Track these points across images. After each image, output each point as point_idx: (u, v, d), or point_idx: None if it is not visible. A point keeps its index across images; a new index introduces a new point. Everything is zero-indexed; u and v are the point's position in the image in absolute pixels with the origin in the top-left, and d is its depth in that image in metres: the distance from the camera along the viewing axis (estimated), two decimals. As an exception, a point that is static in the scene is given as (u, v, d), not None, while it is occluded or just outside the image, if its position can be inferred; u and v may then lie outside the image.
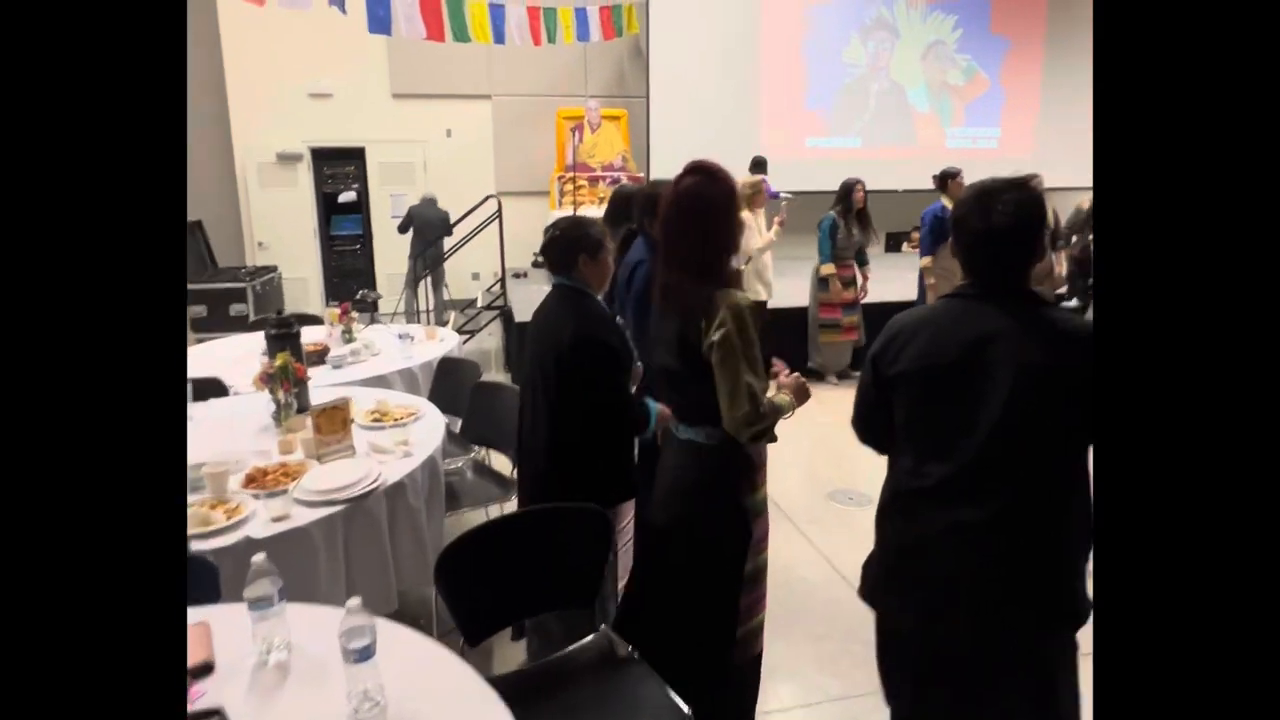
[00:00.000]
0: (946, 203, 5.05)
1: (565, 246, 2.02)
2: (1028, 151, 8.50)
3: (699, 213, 1.58)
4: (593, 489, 1.85)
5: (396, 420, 2.54)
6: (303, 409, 2.49)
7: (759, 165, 6.72)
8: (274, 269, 7.23)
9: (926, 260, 5.00)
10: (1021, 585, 1.31)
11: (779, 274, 5.21)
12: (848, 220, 4.99)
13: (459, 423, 3.06)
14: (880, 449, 1.48)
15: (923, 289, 5.12)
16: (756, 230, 4.70)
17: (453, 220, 6.64)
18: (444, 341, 3.78)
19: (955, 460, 1.31)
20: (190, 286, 6.44)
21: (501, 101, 7.95)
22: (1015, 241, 1.31)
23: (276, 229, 7.75)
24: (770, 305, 5.13)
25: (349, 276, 8.04)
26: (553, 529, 1.73)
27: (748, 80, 7.85)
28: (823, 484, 3.64)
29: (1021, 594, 1.31)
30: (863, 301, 5.24)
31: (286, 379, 2.47)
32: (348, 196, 7.90)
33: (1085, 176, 6.86)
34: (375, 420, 2.54)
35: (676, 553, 1.66)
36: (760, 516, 1.70)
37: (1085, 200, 5.74)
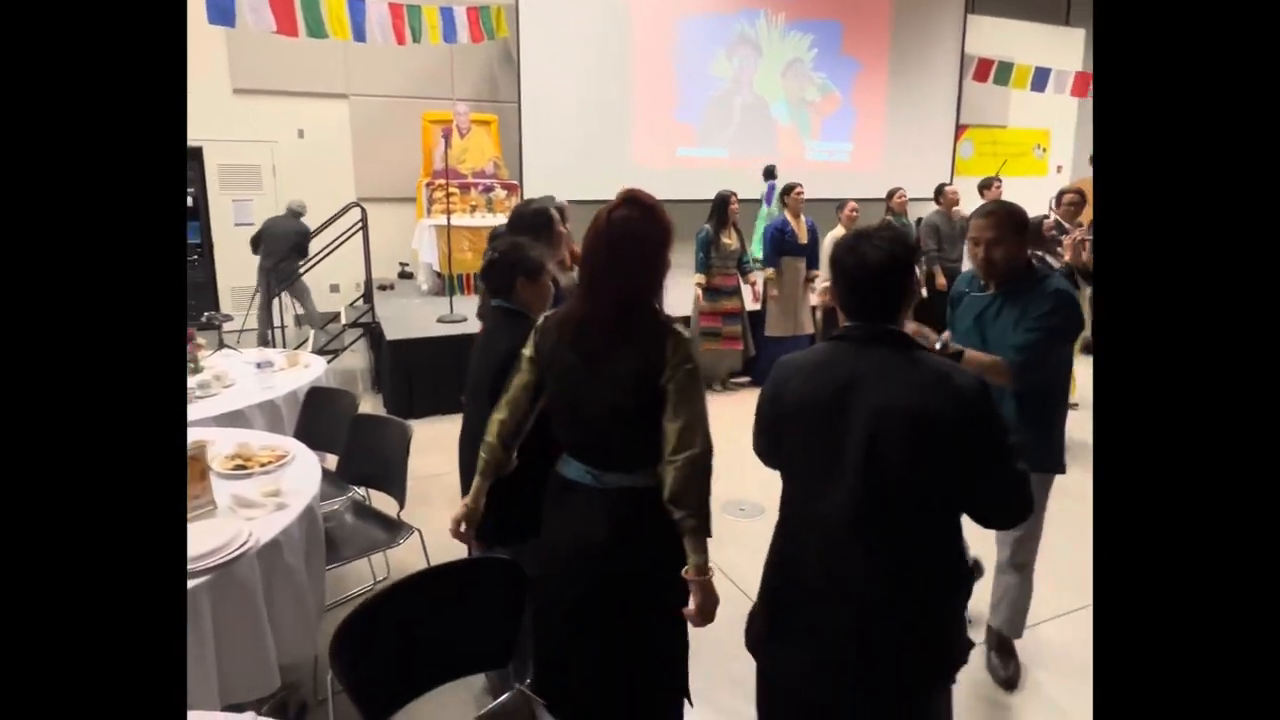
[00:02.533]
0: (788, 216, 5.32)
1: (503, 268, 1.98)
2: (877, 165, 9.13)
3: (655, 245, 1.51)
4: (519, 520, 1.73)
5: (263, 465, 2.27)
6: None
7: (769, 173, 6.77)
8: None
9: (770, 271, 5.26)
10: (903, 636, 1.32)
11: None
12: (722, 231, 5.10)
13: (330, 459, 2.79)
14: (775, 468, 1.53)
15: (765, 297, 5.37)
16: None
17: (312, 229, 6.13)
18: (309, 368, 3.45)
19: (831, 503, 1.33)
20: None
21: (360, 101, 7.46)
22: (885, 280, 1.34)
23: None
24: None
25: (188, 292, 7.24)
26: (461, 587, 1.59)
27: (620, 89, 7.86)
28: (717, 493, 3.65)
29: (904, 645, 1.33)
30: (754, 308, 5.41)
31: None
32: (183, 201, 7.11)
33: (926, 189, 7.46)
34: (238, 467, 2.25)
35: (630, 609, 1.55)
36: None
37: (925, 212, 6.25)
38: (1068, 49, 10.30)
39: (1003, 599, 2.39)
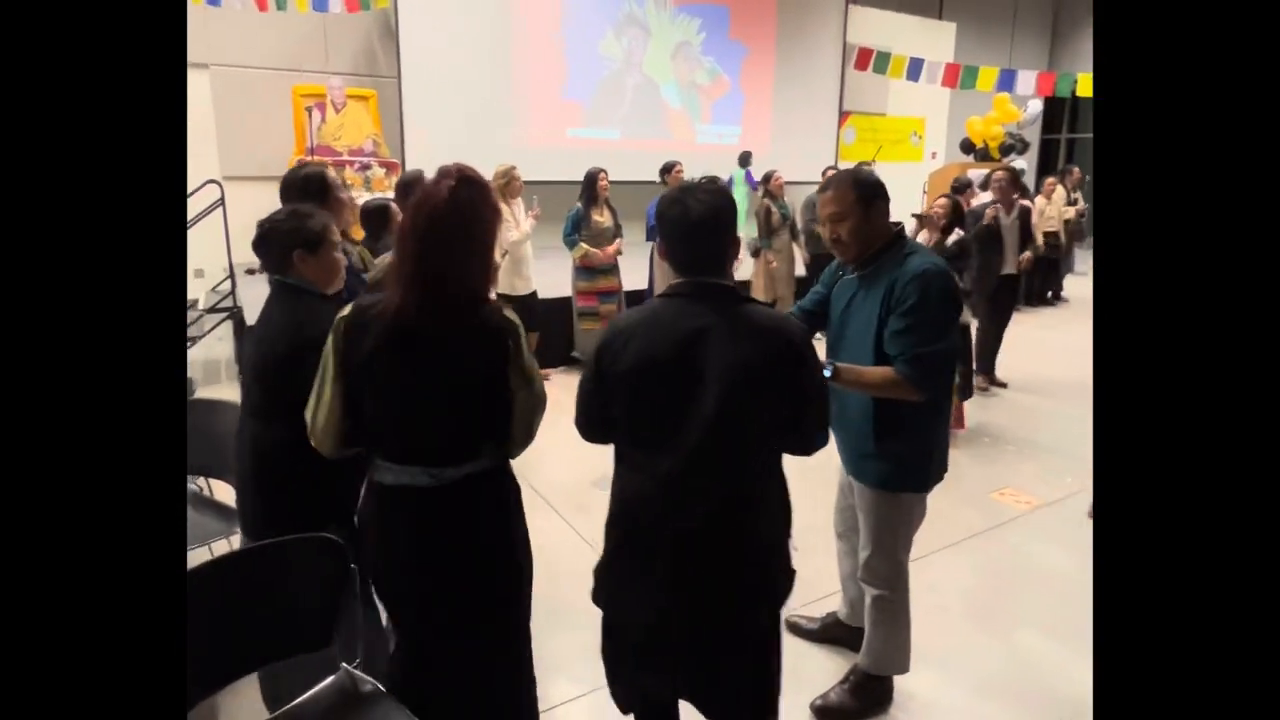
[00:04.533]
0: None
1: (277, 241, 1.78)
2: (765, 149, 9.36)
3: (478, 224, 1.42)
4: (301, 518, 1.66)
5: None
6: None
7: (745, 159, 6.69)
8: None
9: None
10: (739, 576, 1.39)
11: (542, 264, 5.19)
12: (593, 209, 5.09)
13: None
14: (604, 442, 1.50)
15: (652, 277, 5.43)
16: (513, 221, 4.61)
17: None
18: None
19: (673, 456, 1.35)
20: None
21: (223, 72, 6.97)
22: (710, 231, 1.37)
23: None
24: (541, 296, 5.10)
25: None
26: (271, 567, 1.52)
27: (505, 66, 7.69)
28: (588, 470, 3.66)
29: (739, 584, 1.39)
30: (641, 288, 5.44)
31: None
32: (18, 177, 6.44)
33: (812, 173, 7.72)
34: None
35: (478, 598, 1.53)
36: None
37: (812, 192, 6.47)
38: (940, 41, 10.89)
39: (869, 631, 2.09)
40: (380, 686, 1.57)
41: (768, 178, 5.94)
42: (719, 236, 1.39)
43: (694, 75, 8.84)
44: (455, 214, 1.39)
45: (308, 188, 2.21)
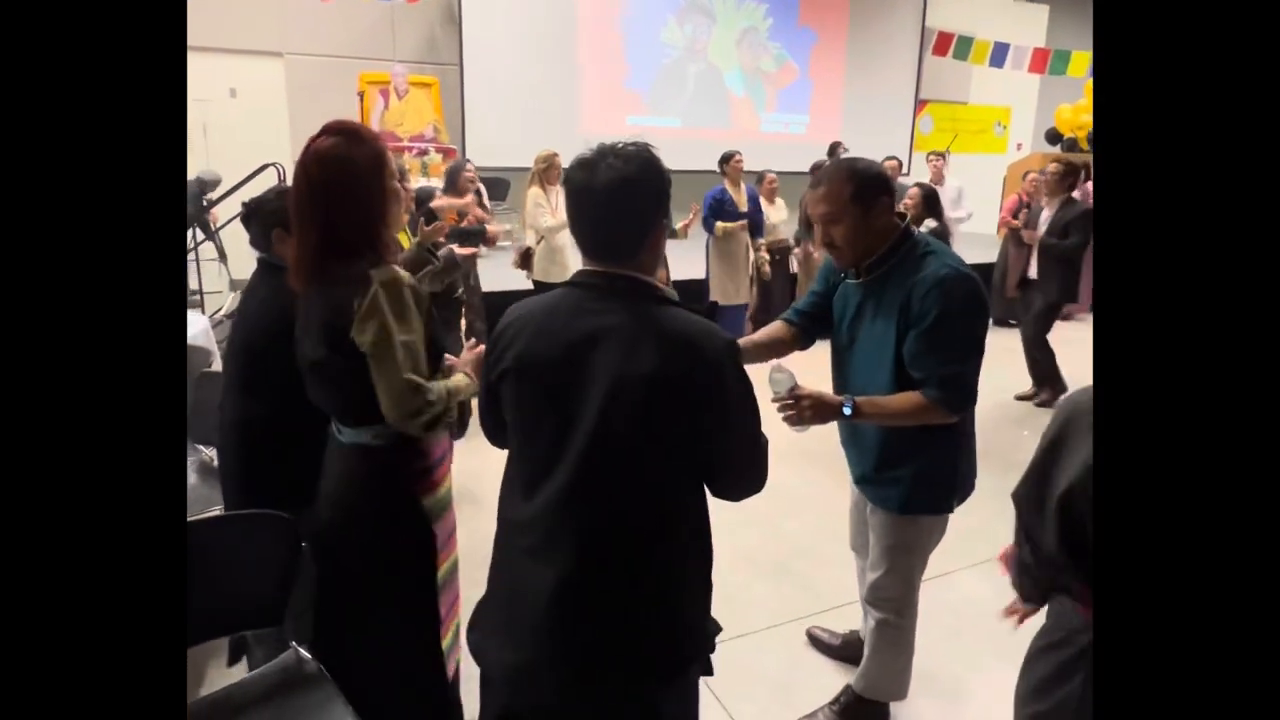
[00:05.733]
0: (727, 185, 5.27)
1: (260, 220, 1.80)
2: (833, 138, 9.00)
3: (345, 179, 1.35)
4: (279, 493, 1.64)
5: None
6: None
7: (833, 151, 6.69)
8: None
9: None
10: (624, 634, 1.12)
11: None
12: None
13: (191, 419, 2.69)
14: (502, 447, 1.31)
15: (709, 269, 5.33)
16: (550, 208, 4.57)
17: (226, 189, 5.93)
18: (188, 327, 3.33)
19: (553, 480, 1.12)
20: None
21: (296, 60, 7.23)
22: (618, 208, 1.09)
23: (16, 196, 6.60)
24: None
25: (117, 253, 7.05)
26: (222, 542, 1.51)
27: (566, 55, 7.68)
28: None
29: (625, 644, 1.12)
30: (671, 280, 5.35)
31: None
32: (109, 160, 6.88)
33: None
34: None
35: (355, 569, 1.48)
36: (445, 515, 1.55)
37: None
38: (1030, 25, 10.21)
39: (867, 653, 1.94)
40: (324, 669, 1.54)
41: (728, 158, 5.59)
42: (631, 216, 1.11)
43: (760, 62, 8.60)
44: (313, 171, 1.35)
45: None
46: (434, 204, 3.91)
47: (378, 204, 1.39)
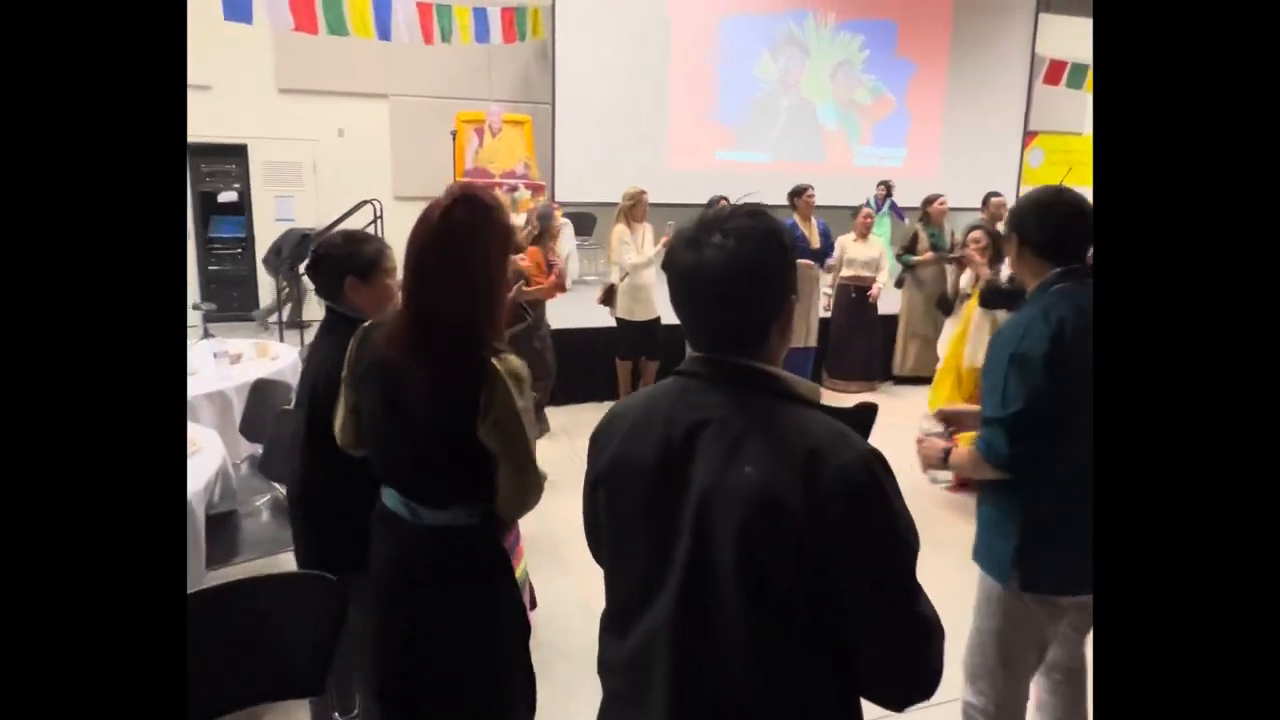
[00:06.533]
0: (797, 220, 5.06)
1: (330, 268, 1.73)
2: (933, 173, 8.61)
3: (473, 254, 1.27)
4: (330, 551, 1.57)
5: (169, 456, 2.20)
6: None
7: (888, 187, 6.64)
8: (140, 272, 6.64)
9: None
10: None
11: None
12: None
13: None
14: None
15: None
16: (635, 246, 4.50)
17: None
18: (277, 360, 3.42)
19: (647, 617, 0.91)
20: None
21: (399, 101, 7.57)
22: (733, 292, 0.88)
23: (147, 229, 7.15)
24: (665, 322, 4.95)
25: (229, 284, 7.50)
26: (264, 602, 1.44)
27: (656, 91, 7.70)
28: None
29: None
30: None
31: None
32: (228, 196, 7.36)
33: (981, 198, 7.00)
34: (137, 457, 2.18)
35: (459, 656, 1.37)
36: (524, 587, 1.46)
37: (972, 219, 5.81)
38: (1155, 50, 9.49)
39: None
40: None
41: (799, 192, 5.27)
42: (751, 305, 0.90)
43: (854, 94, 8.36)
44: (445, 243, 1.26)
45: None
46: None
47: (500, 283, 1.32)
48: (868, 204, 5.62)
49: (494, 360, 1.26)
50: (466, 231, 1.26)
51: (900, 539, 0.84)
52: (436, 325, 1.27)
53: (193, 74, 6.98)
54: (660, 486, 0.90)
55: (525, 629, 1.44)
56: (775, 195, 6.89)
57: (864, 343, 5.42)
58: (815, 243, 5.08)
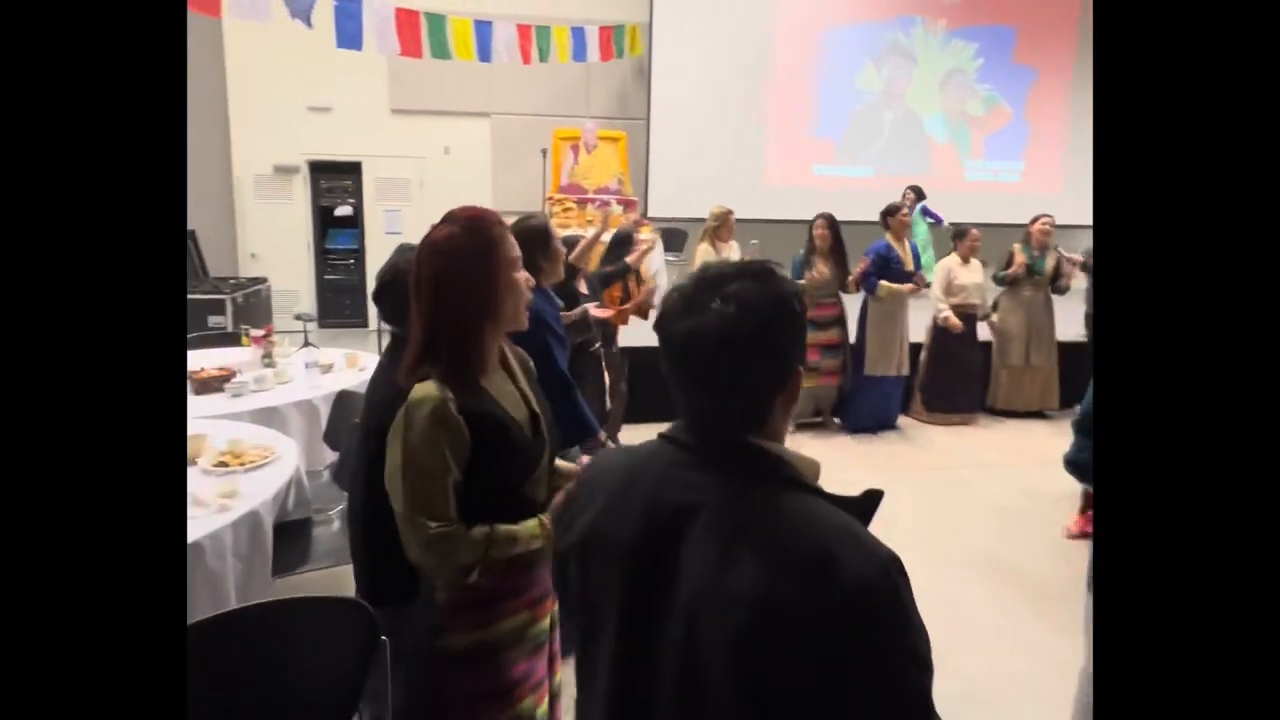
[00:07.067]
0: (891, 240, 4.76)
1: (397, 293, 1.76)
2: (1054, 188, 8.02)
3: (438, 274, 1.27)
4: (382, 577, 1.58)
5: (250, 463, 2.31)
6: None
7: (918, 191, 6.48)
8: (263, 281, 7.17)
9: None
10: None
11: None
12: (812, 258, 4.68)
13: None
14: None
15: (862, 336, 4.87)
16: (719, 264, 4.40)
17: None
18: (364, 370, 3.55)
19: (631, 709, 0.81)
20: (171, 296, 6.42)
21: (500, 120, 7.82)
22: (732, 360, 0.77)
23: (271, 241, 7.72)
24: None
25: (343, 292, 7.98)
26: (297, 626, 1.45)
27: (752, 104, 7.58)
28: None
29: None
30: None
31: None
32: (343, 210, 7.84)
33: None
34: (220, 464, 2.30)
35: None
36: (507, 651, 1.34)
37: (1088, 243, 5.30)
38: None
39: None
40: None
41: (893, 211, 4.90)
42: (750, 374, 0.79)
43: (966, 105, 7.91)
44: (423, 268, 1.27)
45: (533, 237, 2.32)
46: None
47: (487, 299, 1.28)
48: (905, 208, 5.22)
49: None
50: (439, 253, 1.27)
51: (915, 657, 0.72)
52: (421, 343, 1.28)
53: (315, 97, 7.52)
54: (641, 578, 0.79)
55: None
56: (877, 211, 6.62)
57: (964, 373, 5.06)
58: (910, 264, 4.79)
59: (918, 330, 5.10)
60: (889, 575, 0.72)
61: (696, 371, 0.80)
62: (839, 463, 4.39)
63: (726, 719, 0.74)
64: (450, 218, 1.30)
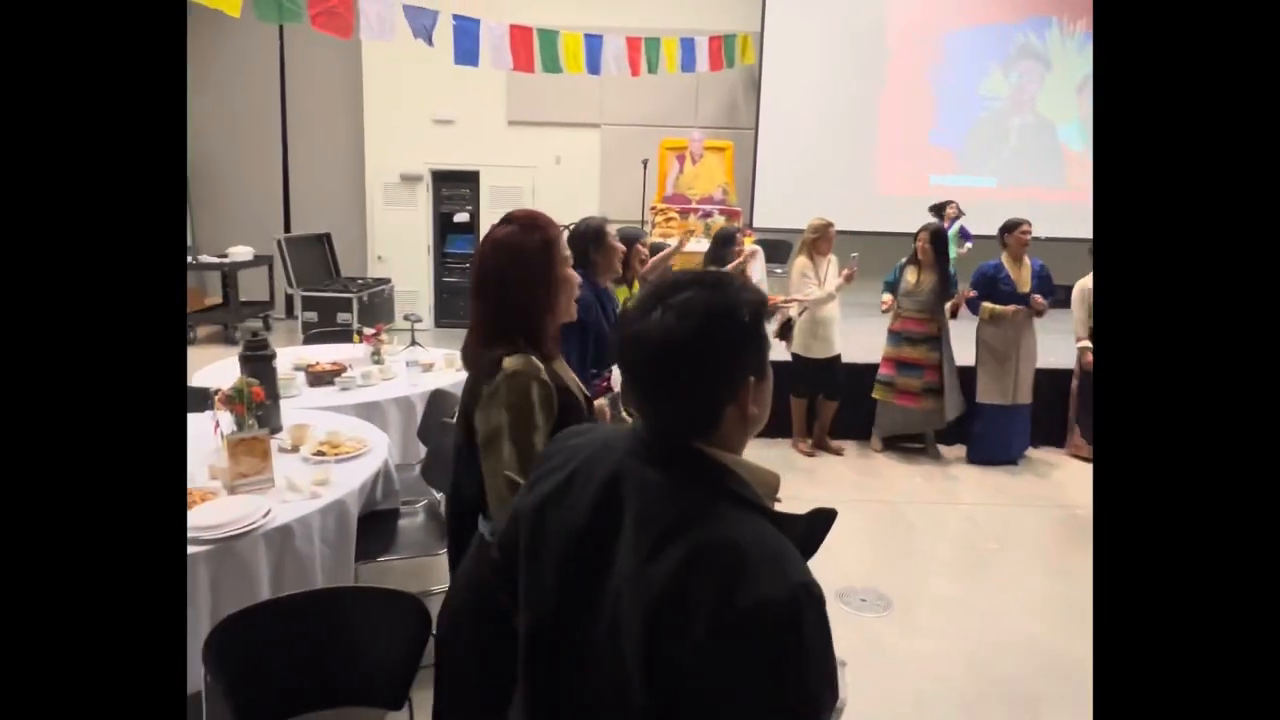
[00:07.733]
0: (1005, 260, 4.40)
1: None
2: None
3: (502, 267, 1.40)
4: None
5: (344, 454, 2.49)
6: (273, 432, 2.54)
7: (937, 210, 6.28)
8: (387, 281, 7.69)
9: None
10: None
11: (867, 325, 4.75)
12: (909, 269, 4.45)
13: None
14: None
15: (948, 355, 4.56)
16: (816, 279, 4.28)
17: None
18: (461, 372, 3.73)
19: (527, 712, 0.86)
20: (305, 293, 7.01)
21: (610, 130, 7.99)
22: (664, 367, 0.80)
23: (396, 244, 8.26)
24: (845, 360, 4.65)
25: (458, 294, 8.41)
26: (352, 613, 1.55)
27: (867, 113, 7.33)
28: (830, 578, 3.15)
29: None
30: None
31: (241, 402, 2.50)
32: (461, 217, 8.28)
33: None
34: (318, 453, 2.50)
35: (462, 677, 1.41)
36: None
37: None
38: None
39: None
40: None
41: (1011, 228, 4.46)
42: (687, 382, 0.80)
43: (1107, 111, 7.29)
44: (487, 261, 1.41)
45: (586, 233, 2.72)
46: None
47: (546, 291, 1.40)
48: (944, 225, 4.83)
49: (505, 359, 1.34)
50: (504, 246, 1.40)
51: (805, 692, 0.71)
52: (483, 332, 1.40)
53: (439, 110, 7.99)
54: (582, 560, 0.84)
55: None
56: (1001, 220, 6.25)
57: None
58: (1025, 286, 4.40)
59: (1053, 356, 4.75)
60: (794, 603, 0.71)
61: (640, 377, 0.84)
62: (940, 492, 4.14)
63: (639, 698, 0.75)
64: (510, 218, 1.44)
